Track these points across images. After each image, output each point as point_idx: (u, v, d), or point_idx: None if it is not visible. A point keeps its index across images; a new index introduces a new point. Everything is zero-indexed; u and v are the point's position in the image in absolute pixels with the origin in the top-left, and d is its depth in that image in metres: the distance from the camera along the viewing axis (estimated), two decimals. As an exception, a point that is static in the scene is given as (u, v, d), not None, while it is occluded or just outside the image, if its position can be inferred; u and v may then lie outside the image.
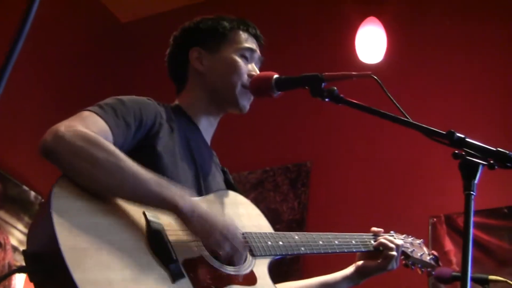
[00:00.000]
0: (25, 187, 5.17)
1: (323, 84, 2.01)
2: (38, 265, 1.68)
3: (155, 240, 1.81)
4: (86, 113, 1.94)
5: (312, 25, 5.71)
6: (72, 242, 1.64)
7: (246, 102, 2.34)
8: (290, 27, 5.83)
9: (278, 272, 2.16)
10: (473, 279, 2.86)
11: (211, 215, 1.90)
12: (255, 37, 2.43)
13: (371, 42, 4.98)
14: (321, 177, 5.13)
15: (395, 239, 2.52)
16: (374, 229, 2.55)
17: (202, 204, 1.94)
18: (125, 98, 2.09)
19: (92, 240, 1.68)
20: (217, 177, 2.32)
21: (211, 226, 1.88)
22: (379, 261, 2.47)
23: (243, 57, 2.34)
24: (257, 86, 2.20)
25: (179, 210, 1.84)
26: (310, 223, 4.93)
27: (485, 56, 4.88)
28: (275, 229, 2.24)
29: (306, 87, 2.03)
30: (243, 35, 2.39)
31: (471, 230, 1.64)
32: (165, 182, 1.87)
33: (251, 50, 2.37)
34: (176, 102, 2.37)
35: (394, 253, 2.46)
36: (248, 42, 2.38)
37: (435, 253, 2.76)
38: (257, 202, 5.05)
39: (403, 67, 5.12)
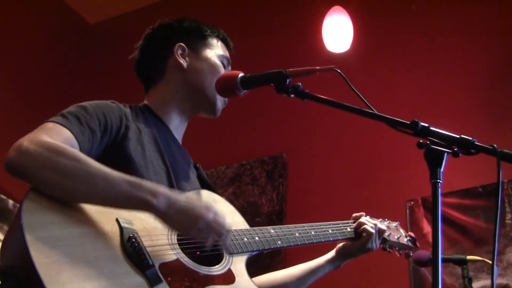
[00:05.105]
0: (2, 196, 5.14)
1: (287, 80, 2.01)
2: (13, 281, 1.66)
3: (129, 247, 1.78)
4: (49, 125, 1.91)
5: (279, 16, 5.70)
6: (46, 257, 1.62)
7: (221, 106, 2.39)
8: (256, 19, 5.82)
9: (261, 265, 2.16)
10: (451, 261, 2.91)
11: (189, 206, 1.85)
12: (230, 49, 2.48)
13: (337, 31, 4.98)
14: (297, 167, 5.15)
15: (372, 220, 2.58)
16: (355, 214, 2.59)
17: (180, 195, 1.88)
18: (87, 104, 2.06)
19: (66, 252, 1.66)
20: (189, 176, 2.30)
21: (190, 219, 1.83)
22: (358, 241, 2.51)
23: (222, 64, 2.38)
24: (223, 85, 2.19)
25: (154, 209, 1.81)
26: (290, 213, 4.95)
27: (452, 43, 4.90)
28: (255, 222, 2.24)
29: (271, 84, 2.03)
30: (222, 44, 2.44)
31: (440, 217, 1.64)
32: (137, 181, 1.82)
33: (228, 60, 2.42)
34: (145, 102, 2.36)
35: (372, 230, 2.50)
36: (226, 52, 2.44)
37: (412, 234, 2.79)
38: (235, 196, 5.15)
39: (370, 55, 5.14)
